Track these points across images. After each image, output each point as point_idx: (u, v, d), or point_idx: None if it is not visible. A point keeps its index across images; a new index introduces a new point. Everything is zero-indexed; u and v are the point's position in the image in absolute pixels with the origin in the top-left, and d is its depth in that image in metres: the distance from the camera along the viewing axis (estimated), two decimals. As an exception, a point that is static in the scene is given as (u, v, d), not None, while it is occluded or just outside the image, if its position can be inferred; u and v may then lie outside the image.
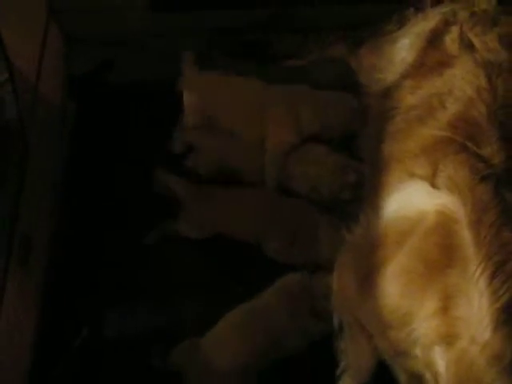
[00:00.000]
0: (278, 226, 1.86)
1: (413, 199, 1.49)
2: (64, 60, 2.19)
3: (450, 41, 1.72)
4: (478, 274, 1.31)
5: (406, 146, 1.59)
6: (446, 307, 1.34)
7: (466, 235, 1.35)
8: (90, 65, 2.22)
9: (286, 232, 1.85)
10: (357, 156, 1.95)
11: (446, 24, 1.76)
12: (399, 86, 1.77)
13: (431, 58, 1.73)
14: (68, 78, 2.17)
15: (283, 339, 1.68)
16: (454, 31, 1.73)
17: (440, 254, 1.38)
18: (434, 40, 1.76)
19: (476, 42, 1.69)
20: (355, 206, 1.79)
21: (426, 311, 1.36)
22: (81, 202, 1.99)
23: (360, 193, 1.85)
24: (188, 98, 2.01)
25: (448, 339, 1.32)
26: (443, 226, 1.39)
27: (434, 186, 1.45)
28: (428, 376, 1.38)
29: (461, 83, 1.61)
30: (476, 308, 1.30)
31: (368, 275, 1.50)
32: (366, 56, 2.01)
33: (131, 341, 1.75)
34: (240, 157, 1.97)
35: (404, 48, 1.85)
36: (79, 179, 2.03)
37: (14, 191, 1.73)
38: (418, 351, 1.38)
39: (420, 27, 1.84)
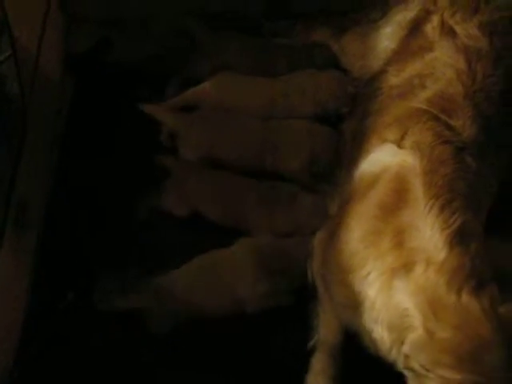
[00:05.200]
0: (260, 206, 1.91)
1: (380, 158, 1.57)
2: (64, 37, 2.24)
3: (431, 28, 1.78)
4: (427, 209, 1.40)
5: (384, 118, 1.66)
6: (400, 242, 1.41)
7: (418, 180, 1.44)
8: (90, 43, 2.25)
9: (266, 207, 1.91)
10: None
11: (427, 13, 1.82)
12: (383, 71, 1.84)
13: (413, 44, 1.80)
14: (68, 55, 2.22)
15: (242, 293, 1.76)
16: (435, 19, 1.79)
17: (394, 198, 1.47)
18: (415, 28, 1.83)
19: (457, 28, 1.75)
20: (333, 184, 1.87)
21: (381, 250, 1.43)
22: (76, 171, 2.04)
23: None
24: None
25: (406, 268, 1.37)
26: (400, 175, 1.48)
27: (400, 147, 1.54)
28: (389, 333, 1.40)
29: (441, 66, 1.68)
30: (429, 236, 1.37)
31: (337, 228, 1.58)
32: (349, 43, 2.12)
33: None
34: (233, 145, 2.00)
35: (386, 36, 1.94)
36: (75, 150, 2.08)
37: (13, 158, 1.79)
38: (377, 297, 1.42)
39: (401, 16, 1.91)
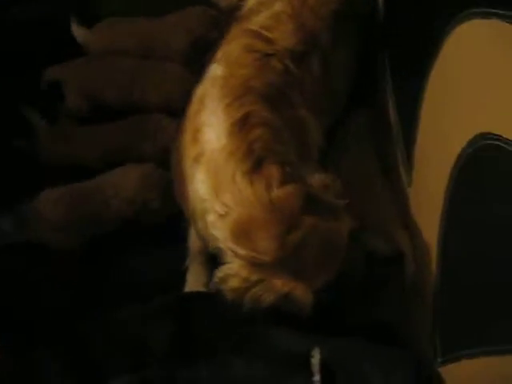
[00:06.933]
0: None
1: (204, 77, 1.69)
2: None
3: None
4: (218, 105, 1.53)
5: (223, 42, 1.77)
6: (196, 138, 1.55)
7: (216, 84, 1.57)
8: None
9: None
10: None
11: None
12: (238, 4, 1.93)
13: None
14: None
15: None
16: None
17: (197, 104, 1.61)
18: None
19: None
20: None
21: (185, 147, 1.60)
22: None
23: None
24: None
25: (198, 159, 1.53)
26: (205, 85, 1.62)
27: (215, 62, 1.67)
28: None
29: None
30: (215, 127, 1.50)
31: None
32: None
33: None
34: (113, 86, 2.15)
35: None
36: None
37: None
38: (190, 191, 1.58)
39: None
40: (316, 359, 1.42)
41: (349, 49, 1.88)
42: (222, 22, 2.14)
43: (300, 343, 1.48)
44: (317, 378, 1.39)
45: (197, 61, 2.16)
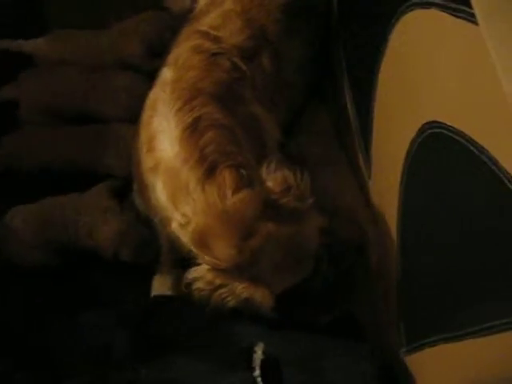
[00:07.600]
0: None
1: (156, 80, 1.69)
2: None
3: None
4: (170, 110, 1.52)
5: (174, 44, 1.76)
6: (151, 147, 1.55)
7: (167, 89, 1.56)
8: None
9: None
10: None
11: None
12: (192, 7, 1.95)
13: None
14: None
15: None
16: None
17: (150, 111, 1.60)
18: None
19: None
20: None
21: (142, 157, 1.60)
22: None
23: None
24: None
25: (156, 169, 1.53)
26: (156, 90, 1.62)
27: (166, 66, 1.67)
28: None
29: None
30: (168, 135, 1.50)
31: None
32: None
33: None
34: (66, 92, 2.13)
35: None
36: None
37: None
38: (153, 199, 1.59)
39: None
40: (258, 354, 1.42)
41: (304, 42, 1.88)
42: (176, 26, 2.13)
43: (248, 339, 1.49)
44: (257, 372, 1.39)
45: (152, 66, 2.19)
